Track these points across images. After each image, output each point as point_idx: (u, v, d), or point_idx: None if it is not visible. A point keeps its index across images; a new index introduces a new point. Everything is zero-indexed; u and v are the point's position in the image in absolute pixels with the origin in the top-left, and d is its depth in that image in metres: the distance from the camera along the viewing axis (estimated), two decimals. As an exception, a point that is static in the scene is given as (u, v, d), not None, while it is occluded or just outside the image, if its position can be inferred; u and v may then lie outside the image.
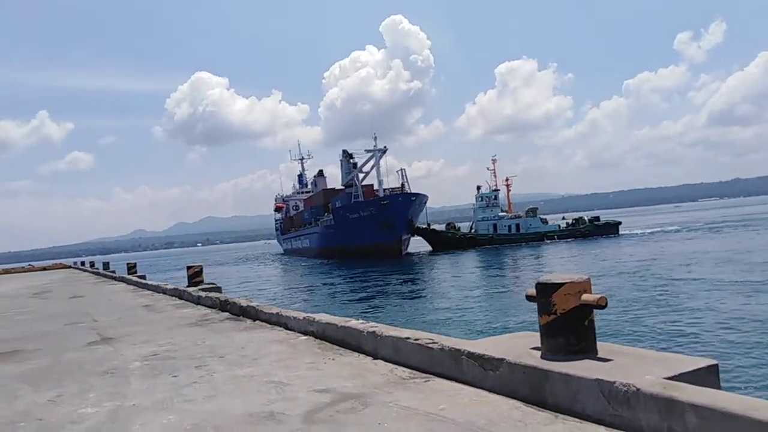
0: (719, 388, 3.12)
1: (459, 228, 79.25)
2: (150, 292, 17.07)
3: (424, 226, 76.57)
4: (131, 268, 26.62)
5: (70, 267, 54.43)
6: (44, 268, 54.83)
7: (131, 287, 20.07)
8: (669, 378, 3.06)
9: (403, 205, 68.41)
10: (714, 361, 3.33)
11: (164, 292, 15.67)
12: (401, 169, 76.40)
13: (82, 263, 54.28)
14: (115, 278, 26.64)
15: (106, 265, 36.26)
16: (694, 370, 3.21)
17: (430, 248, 75.22)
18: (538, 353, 3.84)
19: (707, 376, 3.20)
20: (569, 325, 3.69)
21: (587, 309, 3.69)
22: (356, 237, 69.84)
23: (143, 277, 23.86)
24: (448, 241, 73.68)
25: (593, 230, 75.17)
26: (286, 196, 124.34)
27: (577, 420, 3.25)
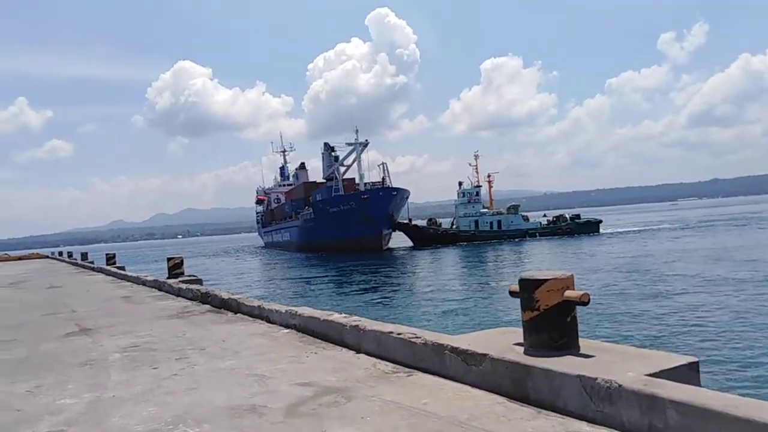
0: (699, 385, 3.16)
1: (440, 224, 79.29)
2: (129, 283, 16.89)
3: (405, 222, 76.54)
4: (110, 259, 26.33)
5: (47, 257, 53.68)
6: (20, 258, 53.98)
7: (110, 278, 19.84)
8: (650, 375, 3.09)
9: (383, 199, 68.14)
10: (695, 358, 3.38)
11: (144, 283, 15.51)
12: (382, 163, 76.04)
13: (60, 253, 53.55)
14: (93, 269, 26.32)
15: (84, 256, 35.80)
16: (675, 367, 3.25)
17: (411, 244, 75.23)
18: (521, 349, 3.86)
19: (688, 373, 3.25)
20: (552, 321, 3.72)
21: (570, 305, 3.72)
22: (336, 231, 69.46)
23: (122, 268, 23.61)
24: (429, 236, 73.69)
25: (574, 228, 75.76)
26: (268, 189, 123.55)
27: (559, 415, 3.27)
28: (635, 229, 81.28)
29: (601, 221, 79.55)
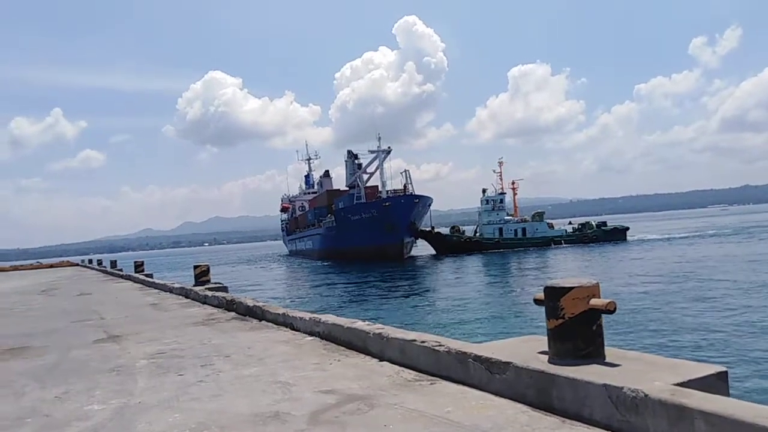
0: (728, 395, 3.09)
1: (464, 231, 78.71)
2: (157, 290, 17.12)
3: (427, 229, 76.03)
4: (138, 267, 26.71)
5: (77, 265, 54.66)
6: (52, 266, 55.05)
7: (138, 285, 20.13)
8: (678, 384, 3.04)
9: (405, 207, 67.70)
10: (723, 368, 3.31)
11: (171, 290, 15.71)
12: (405, 171, 75.44)
13: (90, 261, 54.50)
14: (122, 276, 26.73)
15: (113, 264, 36.41)
16: (703, 377, 3.19)
17: (434, 252, 74.82)
18: (546, 357, 3.82)
19: (717, 383, 3.18)
20: (577, 329, 3.67)
21: (596, 313, 3.67)
22: (357, 239, 69.06)
23: (150, 275, 23.93)
24: (452, 244, 73.09)
25: (600, 236, 74.80)
26: (293, 197, 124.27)
27: (584, 425, 3.23)
28: (664, 236, 79.91)
29: (628, 229, 78.44)
